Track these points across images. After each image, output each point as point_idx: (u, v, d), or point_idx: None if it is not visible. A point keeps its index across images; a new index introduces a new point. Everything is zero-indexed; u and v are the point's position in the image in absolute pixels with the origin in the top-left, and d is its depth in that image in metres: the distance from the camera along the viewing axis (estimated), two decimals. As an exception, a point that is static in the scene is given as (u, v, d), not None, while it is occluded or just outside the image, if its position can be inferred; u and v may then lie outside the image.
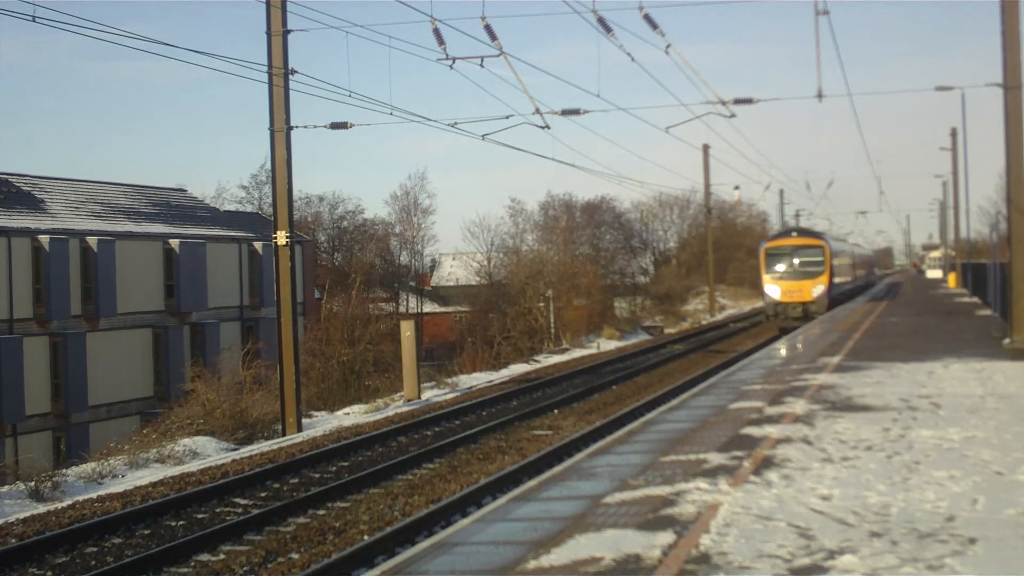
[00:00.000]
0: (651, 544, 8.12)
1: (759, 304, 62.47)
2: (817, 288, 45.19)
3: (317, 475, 17.90)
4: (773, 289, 45.87)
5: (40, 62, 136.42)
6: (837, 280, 49.32)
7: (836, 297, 49.00)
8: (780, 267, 45.78)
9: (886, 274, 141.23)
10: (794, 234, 48.33)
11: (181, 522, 14.81)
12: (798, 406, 15.48)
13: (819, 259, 45.62)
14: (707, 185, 63.49)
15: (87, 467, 19.56)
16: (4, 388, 36.57)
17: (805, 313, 44.45)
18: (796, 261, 45.59)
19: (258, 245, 50.27)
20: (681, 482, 10.40)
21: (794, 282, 45.34)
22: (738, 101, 26.03)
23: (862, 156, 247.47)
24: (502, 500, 10.71)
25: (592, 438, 19.74)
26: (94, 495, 16.84)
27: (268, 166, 48.76)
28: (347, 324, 41.13)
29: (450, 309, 77.81)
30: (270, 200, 26.77)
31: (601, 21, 21.76)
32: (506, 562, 8.03)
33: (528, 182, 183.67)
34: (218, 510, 15.50)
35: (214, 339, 45.46)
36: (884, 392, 16.72)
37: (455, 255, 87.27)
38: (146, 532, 14.33)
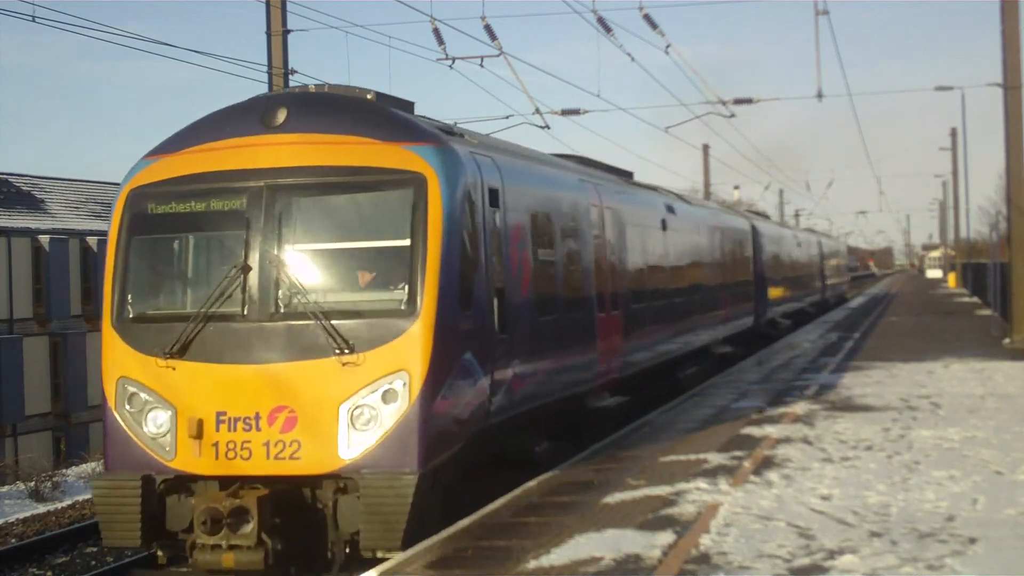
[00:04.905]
0: (651, 544, 8.11)
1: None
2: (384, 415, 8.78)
3: (317, 475, 17.85)
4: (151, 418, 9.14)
5: (40, 62, 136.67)
6: (536, 364, 11.39)
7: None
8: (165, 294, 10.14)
9: (886, 274, 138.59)
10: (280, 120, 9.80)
11: (181, 522, 14.78)
12: (798, 406, 15.47)
13: (397, 243, 9.24)
14: (707, 185, 63.44)
15: (87, 467, 19.57)
16: (4, 388, 36.54)
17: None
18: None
19: (258, 245, 50.15)
20: (681, 482, 10.39)
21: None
22: (738, 101, 26.05)
23: (862, 156, 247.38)
24: (502, 500, 10.69)
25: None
26: (94, 495, 16.81)
27: (268, 166, 48.59)
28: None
29: (450, 309, 77.73)
30: (270, 200, 26.71)
31: (601, 21, 21.77)
32: (504, 562, 8.03)
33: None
34: (218, 510, 15.46)
35: (214, 339, 45.37)
36: (884, 392, 16.72)
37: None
38: (146, 532, 14.29)
